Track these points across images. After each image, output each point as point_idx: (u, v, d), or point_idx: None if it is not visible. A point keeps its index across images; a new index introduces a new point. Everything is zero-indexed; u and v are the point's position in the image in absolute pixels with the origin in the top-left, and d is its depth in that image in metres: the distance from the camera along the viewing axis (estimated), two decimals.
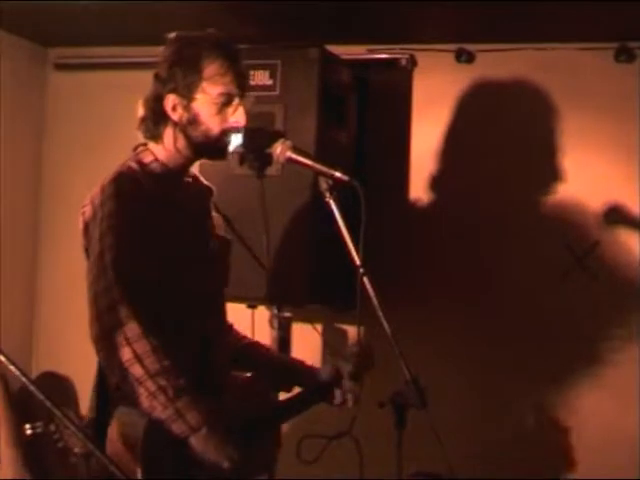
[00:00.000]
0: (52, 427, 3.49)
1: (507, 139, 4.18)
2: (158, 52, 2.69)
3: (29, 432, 3.35)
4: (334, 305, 3.84)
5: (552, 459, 4.01)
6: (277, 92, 3.74)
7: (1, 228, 4.41)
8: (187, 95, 2.62)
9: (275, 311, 3.68)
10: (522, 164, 4.15)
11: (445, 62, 4.22)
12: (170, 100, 2.63)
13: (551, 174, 4.10)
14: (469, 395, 4.09)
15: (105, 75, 4.62)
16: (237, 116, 2.66)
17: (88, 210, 2.58)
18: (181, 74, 2.61)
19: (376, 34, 4.19)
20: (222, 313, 2.82)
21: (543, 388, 4.06)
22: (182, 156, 2.68)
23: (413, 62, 4.26)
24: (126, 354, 2.44)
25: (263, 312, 3.63)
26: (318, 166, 2.71)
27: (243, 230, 2.91)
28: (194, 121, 2.63)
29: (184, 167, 2.72)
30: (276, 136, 2.75)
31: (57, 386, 3.71)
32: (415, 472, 3.47)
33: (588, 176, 4.07)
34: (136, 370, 2.44)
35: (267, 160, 2.74)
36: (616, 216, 4.01)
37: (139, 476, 2.38)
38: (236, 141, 2.67)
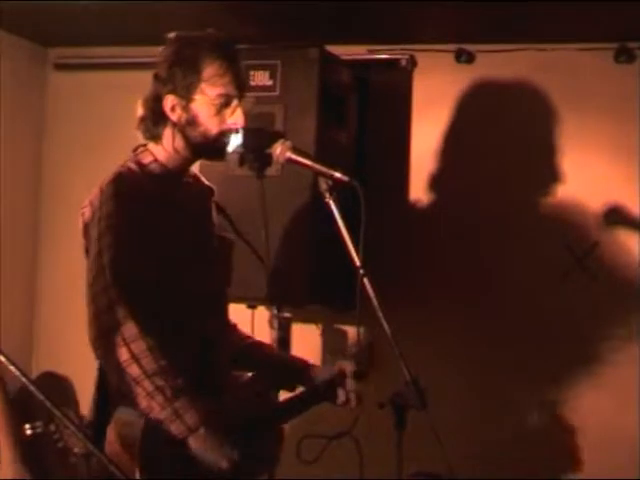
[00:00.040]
0: (52, 427, 3.50)
1: (507, 139, 4.18)
2: (158, 52, 2.69)
3: (29, 432, 3.36)
4: (334, 305, 3.84)
5: (552, 459, 4.01)
6: (277, 92, 3.74)
7: (1, 228, 4.41)
8: (186, 96, 2.62)
9: (275, 311, 3.68)
10: (522, 164, 4.15)
11: (445, 62, 4.22)
12: (169, 100, 2.63)
13: (551, 175, 4.10)
14: (469, 395, 4.09)
15: (105, 75, 4.62)
16: (235, 117, 2.65)
17: (87, 211, 2.58)
18: (180, 75, 2.61)
19: (376, 34, 4.19)
20: (224, 313, 2.82)
21: (543, 388, 4.07)
22: (181, 156, 2.68)
23: (413, 62, 4.26)
24: (123, 354, 2.44)
25: (263, 312, 3.63)
26: (318, 166, 2.71)
27: (243, 231, 2.91)
28: (193, 122, 2.63)
29: (183, 167, 2.72)
30: (276, 136, 2.75)
31: (57, 386, 3.71)
32: (415, 472, 3.47)
33: (588, 177, 4.07)
34: (133, 370, 2.44)
35: (267, 160, 2.74)
36: (616, 217, 4.01)
37: (137, 477, 2.38)
38: (236, 141, 2.67)
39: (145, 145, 2.69)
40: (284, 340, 3.66)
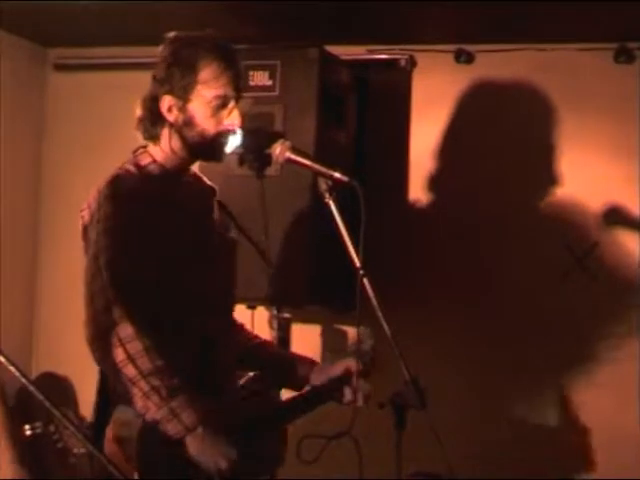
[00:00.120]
0: (51, 428, 3.50)
1: (506, 140, 4.18)
2: (158, 52, 2.69)
3: (29, 433, 3.36)
4: (334, 306, 3.84)
5: (552, 459, 4.01)
6: (277, 92, 3.75)
7: (1, 228, 4.41)
8: (183, 96, 2.62)
9: (275, 312, 3.68)
10: (522, 164, 4.15)
11: (444, 62, 4.22)
12: (166, 101, 2.63)
13: (550, 175, 4.10)
14: (469, 395, 4.09)
15: (105, 75, 4.62)
16: (232, 118, 2.65)
17: (86, 214, 2.59)
18: (177, 75, 2.61)
19: (376, 34, 4.19)
20: (227, 313, 2.81)
21: (543, 388, 4.07)
22: (178, 157, 2.68)
23: (413, 62, 4.26)
24: (119, 355, 2.44)
25: (263, 313, 3.62)
26: (317, 166, 2.71)
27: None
28: (189, 122, 2.63)
29: (182, 168, 2.72)
30: (275, 137, 2.75)
31: (56, 386, 3.72)
32: (415, 472, 3.47)
33: (588, 177, 4.07)
34: (129, 370, 2.44)
35: (266, 161, 2.74)
36: (616, 217, 4.01)
37: (135, 477, 2.38)
38: (234, 142, 2.67)
39: (145, 147, 2.70)
40: (284, 340, 3.66)
